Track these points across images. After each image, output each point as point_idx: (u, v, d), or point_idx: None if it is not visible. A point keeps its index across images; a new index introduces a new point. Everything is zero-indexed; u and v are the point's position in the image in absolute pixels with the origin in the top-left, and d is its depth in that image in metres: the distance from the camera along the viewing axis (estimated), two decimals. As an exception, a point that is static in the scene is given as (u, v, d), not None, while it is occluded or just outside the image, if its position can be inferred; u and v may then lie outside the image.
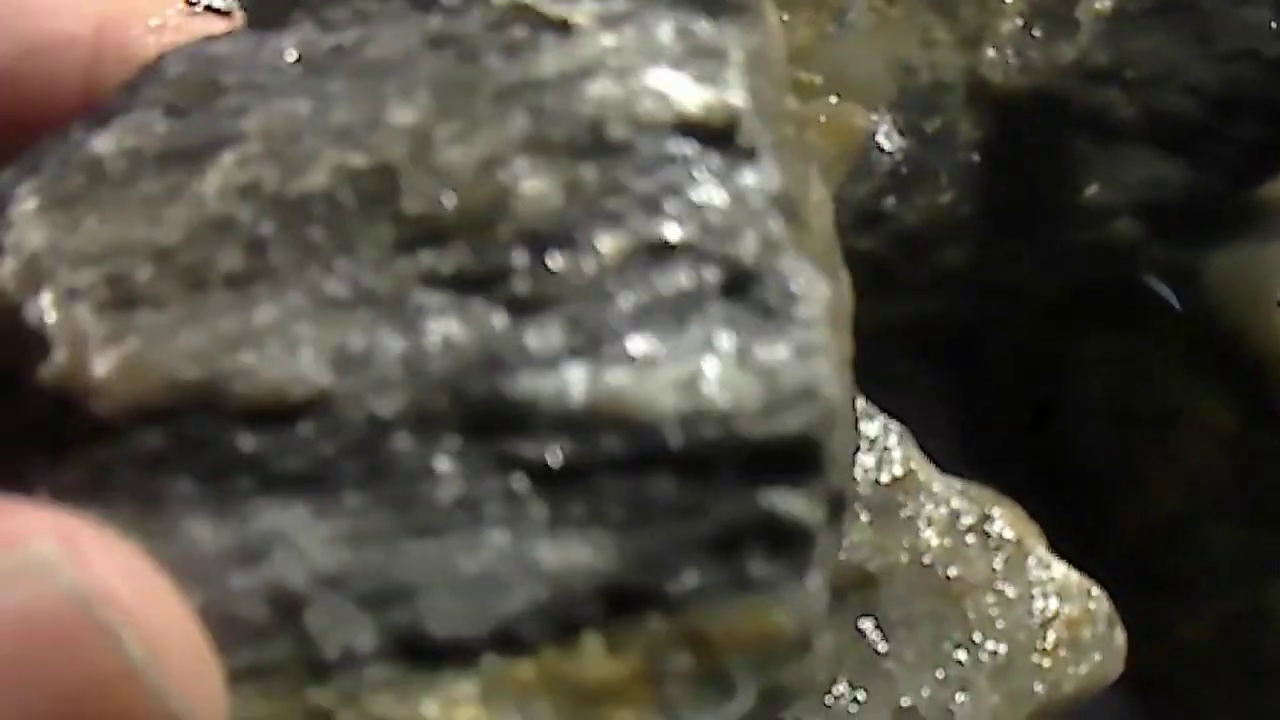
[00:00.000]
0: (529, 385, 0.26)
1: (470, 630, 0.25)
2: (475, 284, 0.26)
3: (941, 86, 0.54)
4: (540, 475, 0.26)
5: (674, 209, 0.26)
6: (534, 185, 0.27)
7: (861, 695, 0.44)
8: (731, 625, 0.25)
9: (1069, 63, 0.53)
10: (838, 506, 0.27)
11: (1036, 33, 0.53)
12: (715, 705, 0.26)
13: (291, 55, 0.28)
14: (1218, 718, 0.63)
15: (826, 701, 0.44)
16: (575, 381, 0.26)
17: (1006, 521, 0.47)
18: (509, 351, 0.26)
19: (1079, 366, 0.63)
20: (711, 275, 0.26)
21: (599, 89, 0.27)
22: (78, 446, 0.26)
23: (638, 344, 0.26)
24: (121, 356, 0.27)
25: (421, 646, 0.26)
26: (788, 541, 0.25)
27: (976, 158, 0.54)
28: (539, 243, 0.26)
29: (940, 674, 0.45)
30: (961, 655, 0.45)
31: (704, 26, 0.27)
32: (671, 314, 0.26)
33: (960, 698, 0.45)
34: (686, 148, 0.26)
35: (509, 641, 0.26)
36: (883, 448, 0.47)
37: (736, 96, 0.27)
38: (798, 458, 0.25)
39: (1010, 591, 0.46)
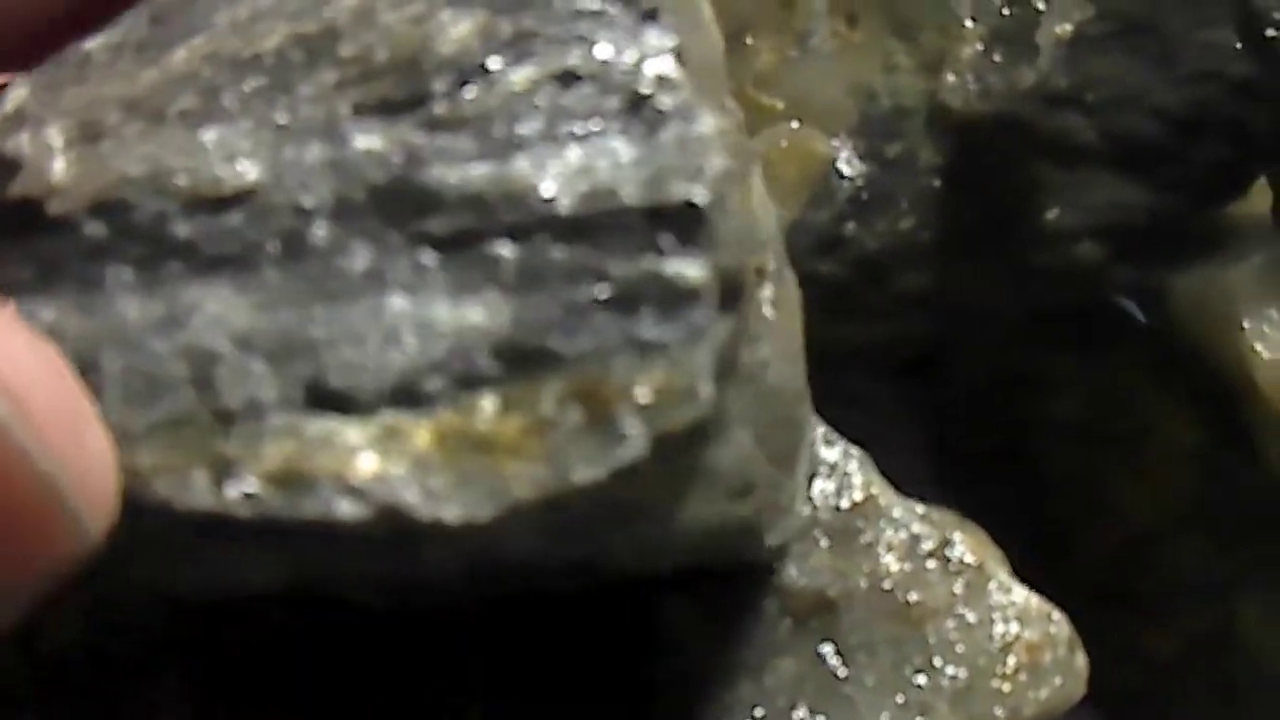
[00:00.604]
0: (438, 174, 0.29)
1: (370, 383, 0.28)
2: (399, 107, 0.29)
3: (902, 111, 0.54)
4: (443, 247, 0.29)
5: (581, 51, 0.30)
6: (456, 31, 0.30)
7: None
8: (622, 382, 0.27)
9: (1029, 87, 0.53)
10: (733, 290, 0.29)
11: (997, 58, 0.53)
12: (604, 452, 0.27)
13: None
14: (1186, 735, 0.63)
15: None
16: (480, 170, 0.29)
17: (968, 546, 0.47)
18: (424, 154, 0.29)
19: (1046, 386, 0.63)
20: (612, 101, 0.29)
21: None
22: (32, 243, 0.29)
23: (540, 148, 0.29)
24: (78, 161, 0.30)
25: (322, 398, 0.28)
26: (677, 304, 0.28)
27: (937, 183, 0.54)
28: (458, 76, 0.30)
29: (901, 699, 0.45)
30: (922, 680, 0.45)
31: None
32: (573, 126, 0.29)
33: None
34: (596, 4, 0.30)
35: (409, 397, 0.28)
36: (843, 473, 0.47)
37: None
38: (685, 225, 0.28)
39: (971, 616, 0.46)
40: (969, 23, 0.53)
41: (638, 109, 0.29)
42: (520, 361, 0.28)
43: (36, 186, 0.30)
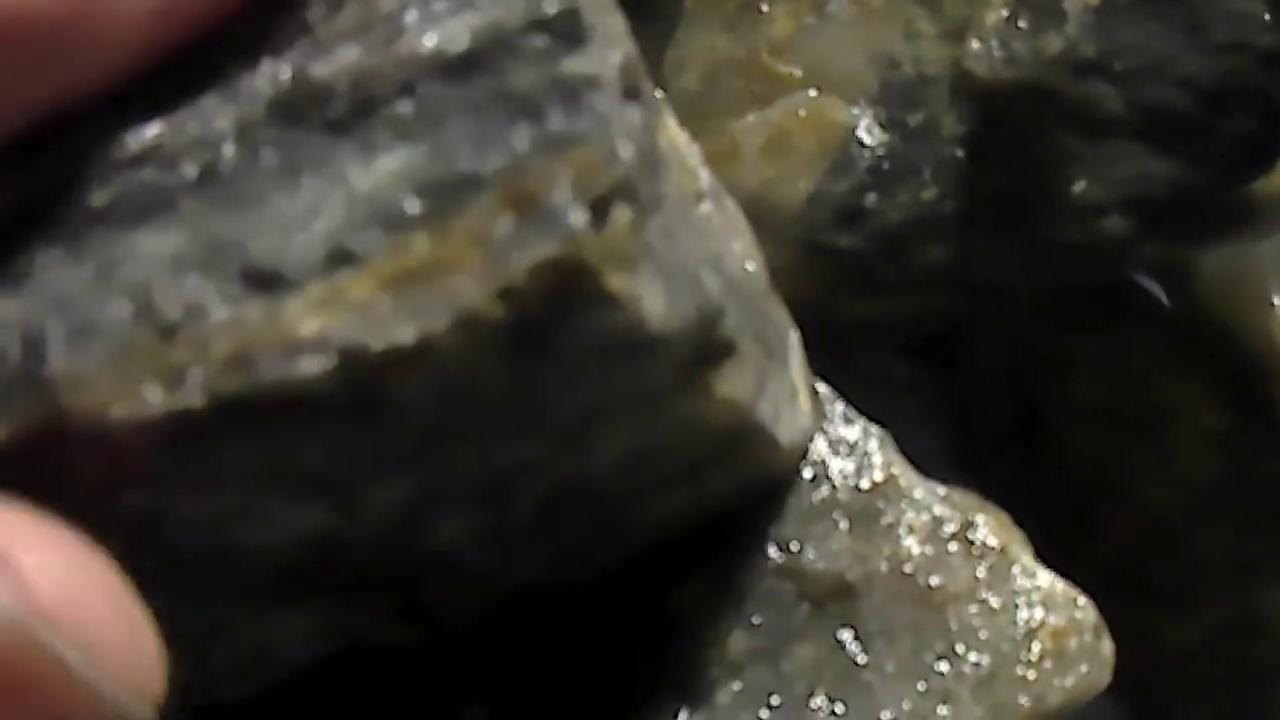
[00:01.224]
0: (325, 68, 0.30)
1: (302, 255, 0.29)
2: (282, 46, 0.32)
3: (925, 80, 0.53)
4: (344, 126, 0.30)
5: None
6: None
7: (840, 708, 0.44)
8: (543, 174, 0.29)
9: (1056, 55, 0.52)
10: (633, 85, 0.30)
11: (1022, 24, 0.52)
12: (541, 233, 0.29)
13: None
14: (1208, 724, 0.62)
15: (804, 714, 0.43)
16: (366, 51, 0.30)
17: (990, 529, 0.46)
18: (310, 58, 0.31)
19: (1067, 366, 0.62)
20: None
21: None
22: None
23: (419, 26, 0.30)
24: None
25: (259, 281, 0.29)
26: (579, 95, 0.29)
27: (960, 153, 0.53)
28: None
29: (921, 686, 0.44)
30: (943, 667, 0.44)
31: None
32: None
33: (942, 710, 0.44)
34: None
35: (343, 257, 0.29)
36: (863, 452, 0.46)
37: None
38: (570, 28, 0.30)
39: (994, 601, 0.46)
40: (993, -12, 0.53)
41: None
42: (443, 193, 0.29)
43: None
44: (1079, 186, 0.53)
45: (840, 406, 0.46)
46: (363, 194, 0.29)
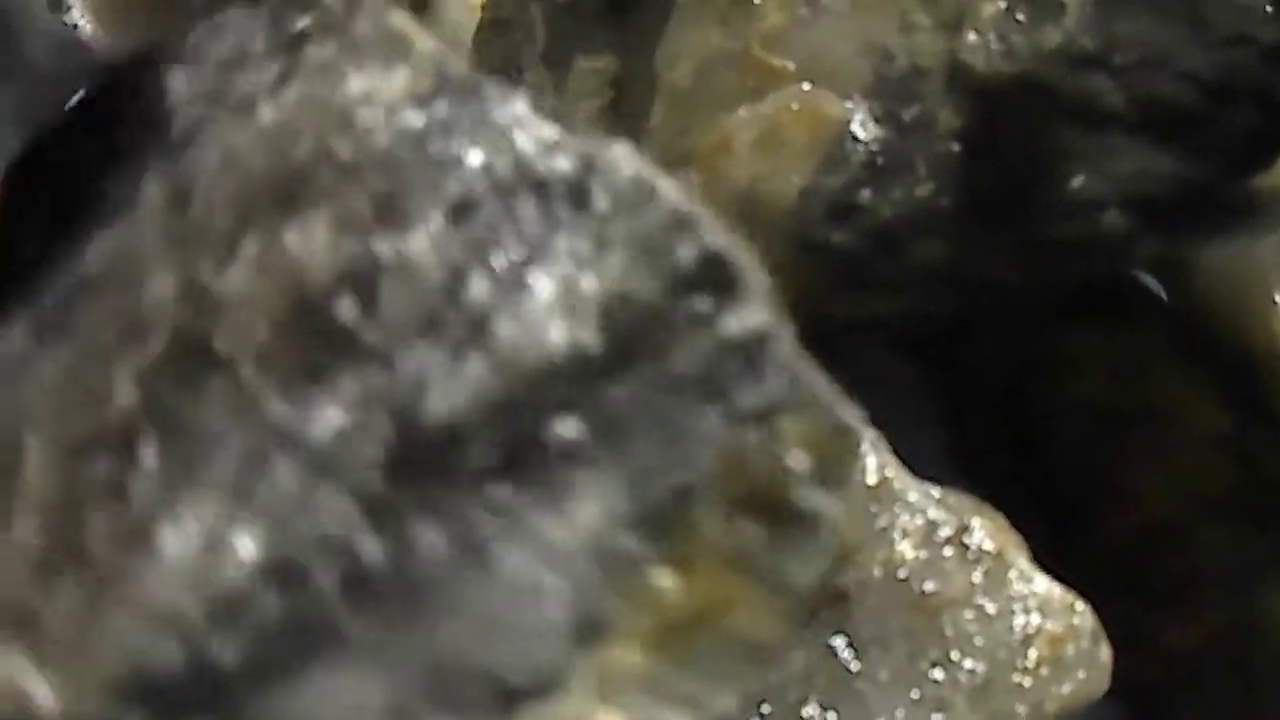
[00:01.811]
0: (433, 397, 0.25)
1: (548, 644, 0.24)
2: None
3: (920, 73, 0.52)
4: (502, 468, 0.24)
5: None
6: None
7: (832, 717, 0.43)
8: (766, 467, 0.24)
9: (1054, 48, 0.52)
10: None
11: (1020, 16, 0.52)
12: (809, 544, 0.25)
13: None
14: (1206, 727, 0.62)
15: None
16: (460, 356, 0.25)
17: (986, 532, 0.46)
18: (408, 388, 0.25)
19: (1064, 364, 0.62)
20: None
21: None
22: None
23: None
24: None
25: (514, 694, 0.24)
26: (754, 353, 0.26)
27: (956, 147, 0.52)
28: None
29: (916, 694, 0.44)
30: (938, 674, 0.44)
31: None
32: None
33: (937, 719, 0.44)
34: None
35: (591, 631, 0.24)
36: None
37: None
38: (716, 277, 0.26)
39: (990, 607, 0.46)
40: (991, -21, 0.52)
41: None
42: (661, 518, 0.24)
43: None
44: (1077, 181, 0.53)
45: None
46: (573, 550, 0.24)
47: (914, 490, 0.46)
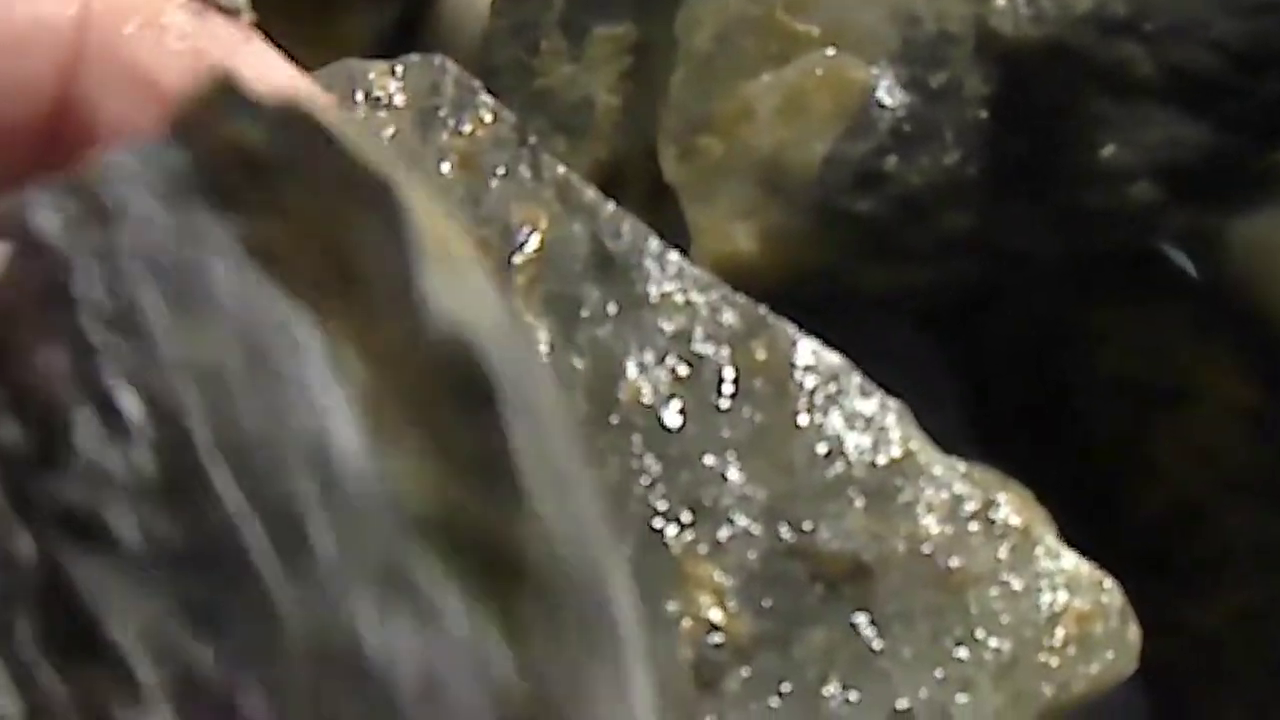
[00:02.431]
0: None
1: None
2: None
3: (947, 38, 0.52)
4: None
5: None
6: None
7: (854, 696, 0.43)
8: None
9: (1084, 13, 0.51)
10: None
11: (1050, -20, 0.51)
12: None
13: None
14: (1232, 711, 0.61)
15: (816, 703, 0.42)
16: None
17: (1013, 508, 0.46)
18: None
19: (1091, 339, 0.61)
20: None
21: None
22: None
23: None
24: None
25: None
26: None
27: (984, 115, 0.52)
28: None
29: (940, 673, 0.43)
30: (963, 653, 0.43)
31: None
32: None
33: (961, 699, 0.43)
34: None
35: None
36: (879, 427, 0.45)
37: None
38: None
39: (1016, 584, 0.45)
40: (1019, -57, 0.51)
41: None
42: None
43: None
44: (1107, 151, 0.52)
45: (857, 379, 0.45)
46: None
47: (939, 464, 0.45)
